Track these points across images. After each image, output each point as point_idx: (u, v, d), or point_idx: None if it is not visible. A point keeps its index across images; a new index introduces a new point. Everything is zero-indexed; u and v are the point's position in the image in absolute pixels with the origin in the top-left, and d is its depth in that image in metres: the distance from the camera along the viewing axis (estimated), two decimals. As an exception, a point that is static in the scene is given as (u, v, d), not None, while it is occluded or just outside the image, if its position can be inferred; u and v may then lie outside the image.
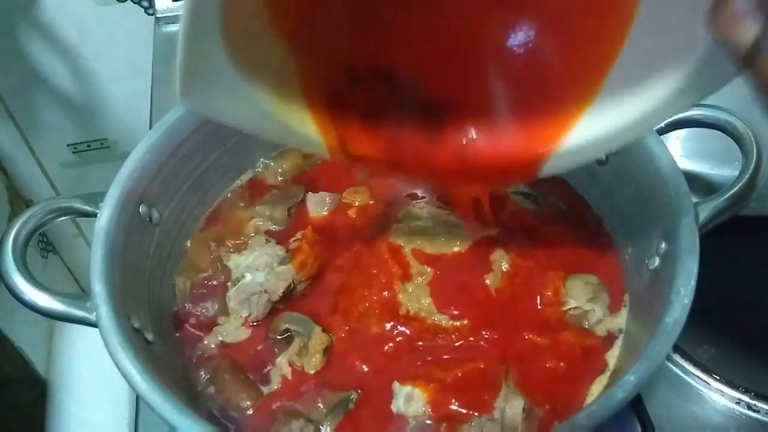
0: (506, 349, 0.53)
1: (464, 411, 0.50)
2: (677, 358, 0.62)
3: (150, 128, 0.58)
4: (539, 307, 0.55)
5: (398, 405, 0.51)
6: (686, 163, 0.71)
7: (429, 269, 0.57)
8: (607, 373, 0.52)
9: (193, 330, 0.57)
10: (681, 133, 0.71)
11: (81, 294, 0.49)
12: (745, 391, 0.60)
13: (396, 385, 0.52)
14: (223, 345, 0.56)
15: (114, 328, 0.46)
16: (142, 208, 0.54)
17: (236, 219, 0.63)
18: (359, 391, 0.52)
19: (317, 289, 0.58)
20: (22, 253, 0.49)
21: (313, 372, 0.53)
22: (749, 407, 0.60)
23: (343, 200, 0.64)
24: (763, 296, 0.67)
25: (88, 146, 1.15)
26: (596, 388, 0.51)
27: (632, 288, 0.56)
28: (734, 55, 0.31)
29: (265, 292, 0.56)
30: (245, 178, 0.66)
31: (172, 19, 0.91)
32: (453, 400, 0.50)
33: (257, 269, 0.57)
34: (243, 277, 0.57)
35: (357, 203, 0.63)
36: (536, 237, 0.59)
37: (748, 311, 0.66)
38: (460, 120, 0.45)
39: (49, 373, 1.11)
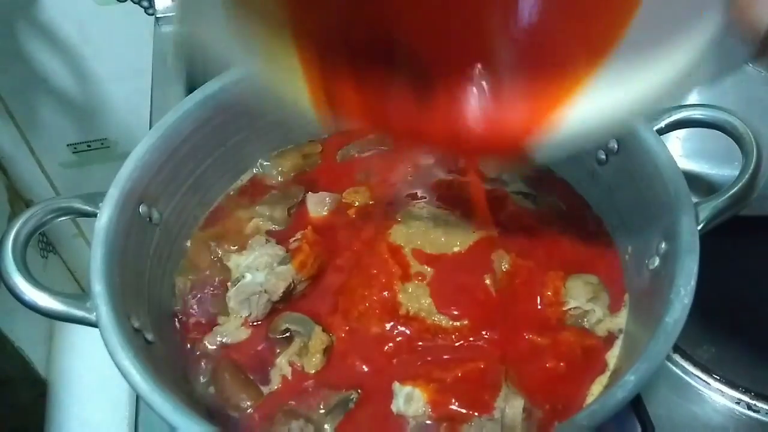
0: (506, 349, 0.53)
1: (464, 411, 0.50)
2: (677, 358, 0.62)
3: (150, 128, 0.58)
4: (539, 307, 0.55)
5: (398, 405, 0.51)
6: (686, 163, 0.71)
7: (429, 269, 0.57)
8: (607, 373, 0.52)
9: (193, 330, 0.57)
10: (681, 133, 0.71)
11: (81, 294, 0.49)
12: (745, 391, 0.60)
13: (396, 385, 0.52)
14: (223, 345, 0.56)
15: (114, 328, 0.46)
16: (142, 208, 0.54)
17: (236, 219, 0.63)
18: (359, 391, 0.52)
19: (317, 289, 0.58)
20: (22, 253, 0.49)
21: (313, 372, 0.53)
22: (749, 407, 0.60)
23: (343, 200, 0.64)
24: (763, 296, 0.67)
25: (88, 146, 1.15)
26: (596, 388, 0.51)
27: (632, 288, 0.56)
28: (751, 39, 0.29)
29: (265, 292, 0.56)
30: (245, 178, 0.66)
31: (172, 19, 0.91)
32: (453, 400, 0.50)
33: (257, 269, 0.57)
34: (243, 277, 0.57)
35: (357, 203, 0.63)
36: (536, 237, 0.59)
37: (748, 311, 0.66)
38: (455, 87, 0.44)
39: (49, 373, 1.10)
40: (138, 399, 0.59)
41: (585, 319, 0.55)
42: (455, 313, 0.55)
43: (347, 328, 0.55)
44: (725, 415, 0.60)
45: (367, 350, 0.54)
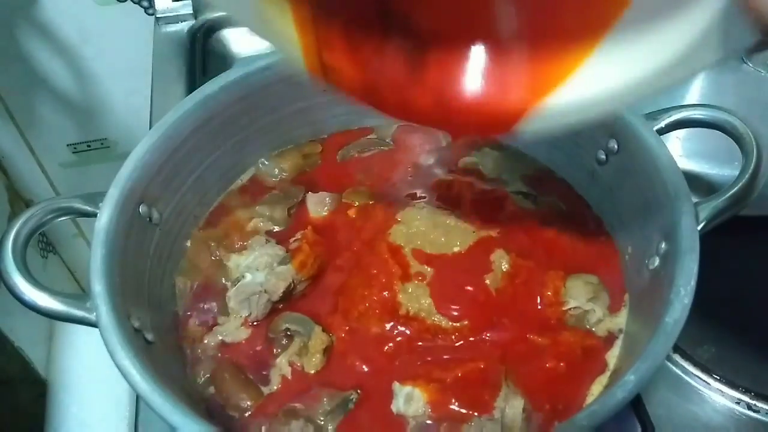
0: (506, 349, 0.53)
1: (464, 411, 0.50)
2: (677, 358, 0.62)
3: (150, 128, 0.58)
4: (539, 307, 0.55)
5: (398, 405, 0.51)
6: (686, 163, 0.71)
7: (429, 269, 0.57)
8: (607, 373, 0.52)
9: (193, 330, 0.57)
10: (681, 133, 0.71)
11: (81, 294, 0.49)
12: (745, 391, 0.60)
13: (396, 385, 0.52)
14: (223, 345, 0.56)
15: (114, 328, 0.46)
16: (142, 208, 0.54)
17: (236, 219, 0.63)
18: (359, 391, 0.52)
19: (317, 289, 0.58)
20: (22, 253, 0.49)
21: (313, 372, 0.53)
22: (749, 407, 0.60)
23: (343, 200, 0.64)
24: (763, 296, 0.67)
25: (88, 146, 1.15)
26: (596, 388, 0.51)
27: (632, 288, 0.56)
28: (757, 24, 0.28)
29: (265, 292, 0.56)
30: (245, 178, 0.66)
31: (172, 19, 0.91)
32: (453, 400, 0.50)
33: (257, 269, 0.57)
34: (243, 277, 0.57)
35: (357, 203, 0.63)
36: (536, 237, 0.59)
37: (748, 311, 0.66)
38: (449, 58, 0.42)
39: (49, 373, 1.11)
40: (138, 399, 0.59)
41: (585, 319, 0.55)
42: (455, 313, 0.55)
43: (347, 328, 0.55)
44: (725, 415, 0.60)
45: (367, 350, 0.54)
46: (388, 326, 0.55)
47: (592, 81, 0.39)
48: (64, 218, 0.52)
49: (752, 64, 0.68)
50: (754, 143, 0.51)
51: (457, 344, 0.54)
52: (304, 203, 0.64)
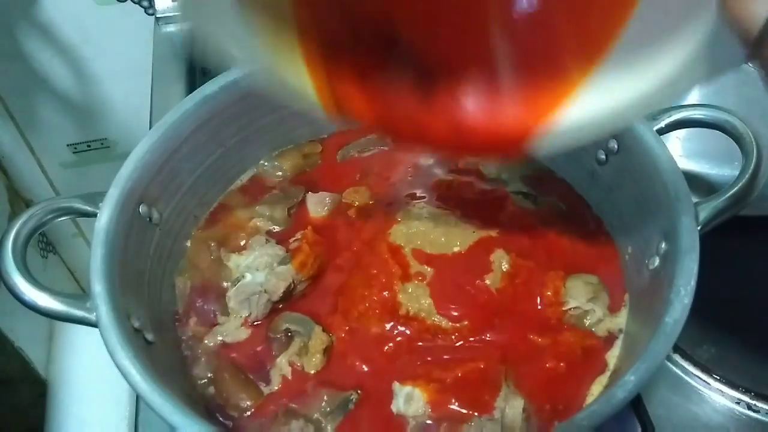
0: (506, 349, 0.53)
1: (464, 411, 0.50)
2: (677, 358, 0.62)
3: (150, 128, 0.58)
4: (539, 307, 0.55)
5: (398, 405, 0.51)
6: (686, 163, 0.71)
7: (429, 269, 0.57)
8: (607, 373, 0.52)
9: (193, 330, 0.57)
10: (681, 133, 0.71)
11: (81, 294, 0.49)
12: (745, 391, 0.60)
13: (396, 385, 0.52)
14: (223, 345, 0.56)
15: (114, 328, 0.46)
16: (142, 208, 0.54)
17: (236, 219, 0.63)
18: (359, 391, 0.52)
19: (317, 289, 0.58)
20: (22, 253, 0.49)
21: (313, 372, 0.53)
22: (749, 407, 0.60)
23: (343, 200, 0.64)
24: (763, 296, 0.67)
25: (88, 146, 1.15)
26: (596, 388, 0.51)
27: (632, 288, 0.56)
28: (743, 39, 0.29)
29: (265, 292, 0.56)
30: (245, 178, 0.66)
31: (172, 19, 0.91)
32: (453, 400, 0.50)
33: (257, 269, 0.57)
34: (243, 277, 0.57)
35: (357, 203, 0.63)
36: (536, 237, 0.59)
37: (748, 311, 0.66)
38: (457, 86, 0.44)
39: (49, 373, 1.10)
40: (138, 399, 0.59)
41: (585, 319, 0.55)
42: (455, 313, 0.55)
43: (347, 328, 0.55)
44: (725, 415, 0.60)
45: (367, 350, 0.54)
46: (388, 326, 0.55)
47: (596, 100, 0.41)
48: (64, 218, 0.52)
49: (752, 64, 0.68)
50: (754, 143, 0.51)
51: (457, 344, 0.54)
52: (304, 203, 0.64)
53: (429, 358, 0.53)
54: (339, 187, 0.65)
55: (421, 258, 0.58)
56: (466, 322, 0.54)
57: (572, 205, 0.63)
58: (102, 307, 0.47)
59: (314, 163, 0.68)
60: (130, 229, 0.53)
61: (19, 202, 1.12)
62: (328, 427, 0.50)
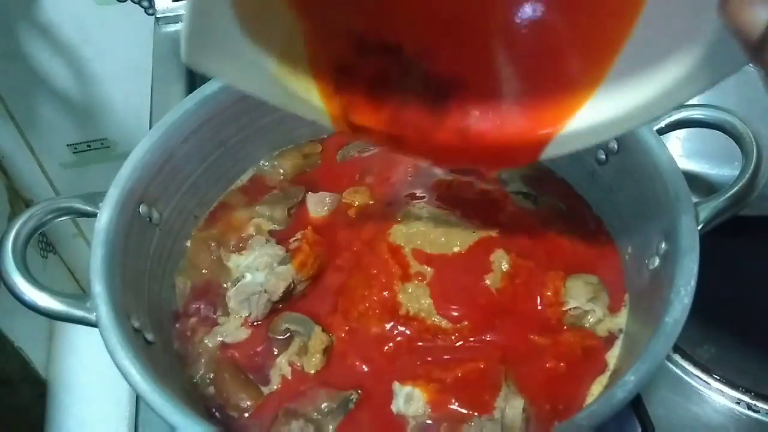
0: (506, 349, 0.53)
1: (464, 411, 0.50)
2: (677, 358, 0.62)
3: (150, 128, 0.59)
4: (539, 307, 0.55)
5: (398, 405, 0.51)
6: (686, 163, 0.71)
7: (429, 269, 0.57)
8: (607, 373, 0.52)
9: (192, 330, 0.57)
10: (681, 133, 0.71)
11: (81, 294, 0.49)
12: (745, 391, 0.60)
13: (396, 385, 0.52)
14: (223, 345, 0.56)
15: (114, 328, 0.46)
16: (142, 208, 0.54)
17: (236, 219, 0.63)
18: (359, 391, 0.52)
19: (317, 289, 0.58)
20: (22, 253, 0.49)
21: (313, 372, 0.53)
22: (749, 407, 0.60)
23: (343, 200, 0.64)
24: (763, 296, 0.67)
25: (88, 146, 1.15)
26: (596, 388, 0.51)
27: (632, 288, 0.56)
28: (744, 44, 0.29)
29: (265, 292, 0.56)
30: (245, 178, 0.66)
31: (172, 19, 0.91)
32: (453, 400, 0.50)
33: (257, 269, 0.57)
34: (243, 277, 0.57)
35: (357, 203, 0.63)
36: (536, 237, 0.59)
37: (748, 311, 0.66)
38: (465, 98, 0.45)
39: (49, 373, 1.11)
40: (138, 399, 0.59)
41: (585, 319, 0.55)
42: (455, 313, 0.55)
43: (347, 328, 0.55)
44: (725, 415, 0.60)
45: (367, 350, 0.54)
46: (388, 326, 0.55)
47: (602, 109, 0.42)
48: (64, 218, 0.52)
49: (753, 66, 0.68)
50: (754, 143, 0.51)
51: (457, 344, 0.54)
52: (304, 203, 0.64)
53: (429, 358, 0.53)
54: (339, 187, 0.65)
55: (421, 258, 0.58)
56: (466, 322, 0.54)
57: (572, 205, 0.63)
58: (102, 307, 0.47)
59: (314, 163, 0.68)
60: (130, 229, 0.53)
61: (19, 202, 1.12)
62: (329, 427, 0.50)
